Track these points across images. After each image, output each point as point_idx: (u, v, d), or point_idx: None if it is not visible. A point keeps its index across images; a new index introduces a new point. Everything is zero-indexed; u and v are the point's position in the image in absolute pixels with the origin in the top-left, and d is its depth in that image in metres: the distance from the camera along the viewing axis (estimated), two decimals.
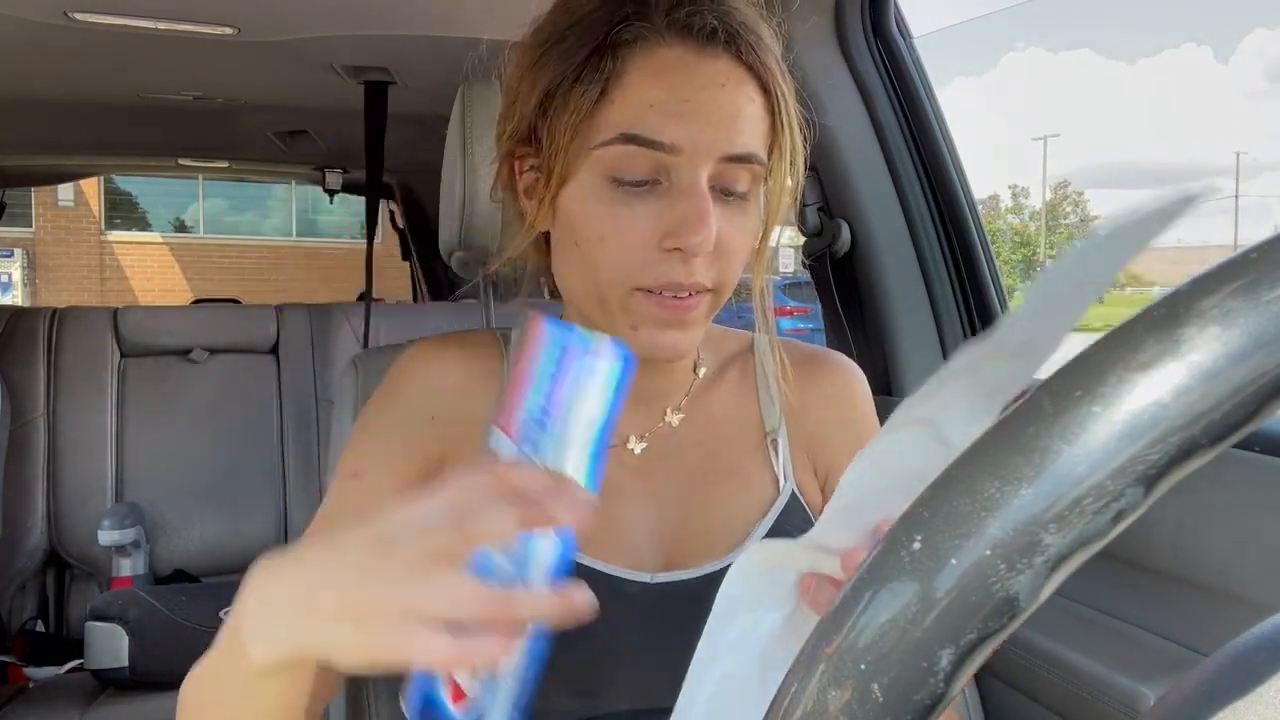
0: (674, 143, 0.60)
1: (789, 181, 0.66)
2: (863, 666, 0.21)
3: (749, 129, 0.63)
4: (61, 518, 2.14)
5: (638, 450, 0.72)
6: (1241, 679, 0.27)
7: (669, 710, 0.68)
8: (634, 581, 0.68)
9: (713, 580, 0.68)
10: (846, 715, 0.22)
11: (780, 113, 0.64)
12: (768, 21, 0.66)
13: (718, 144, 0.61)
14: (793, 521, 0.73)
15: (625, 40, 0.61)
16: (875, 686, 0.21)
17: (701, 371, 0.76)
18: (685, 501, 0.72)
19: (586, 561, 0.68)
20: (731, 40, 0.62)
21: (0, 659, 1.98)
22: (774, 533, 0.71)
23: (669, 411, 0.74)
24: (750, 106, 0.63)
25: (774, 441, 0.75)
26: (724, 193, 0.63)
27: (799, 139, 0.66)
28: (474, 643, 0.40)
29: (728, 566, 0.69)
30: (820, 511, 0.76)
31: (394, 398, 0.72)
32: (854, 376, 0.79)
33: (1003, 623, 0.20)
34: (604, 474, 0.71)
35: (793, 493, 0.73)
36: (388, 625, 0.40)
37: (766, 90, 0.63)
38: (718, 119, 0.61)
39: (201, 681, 0.52)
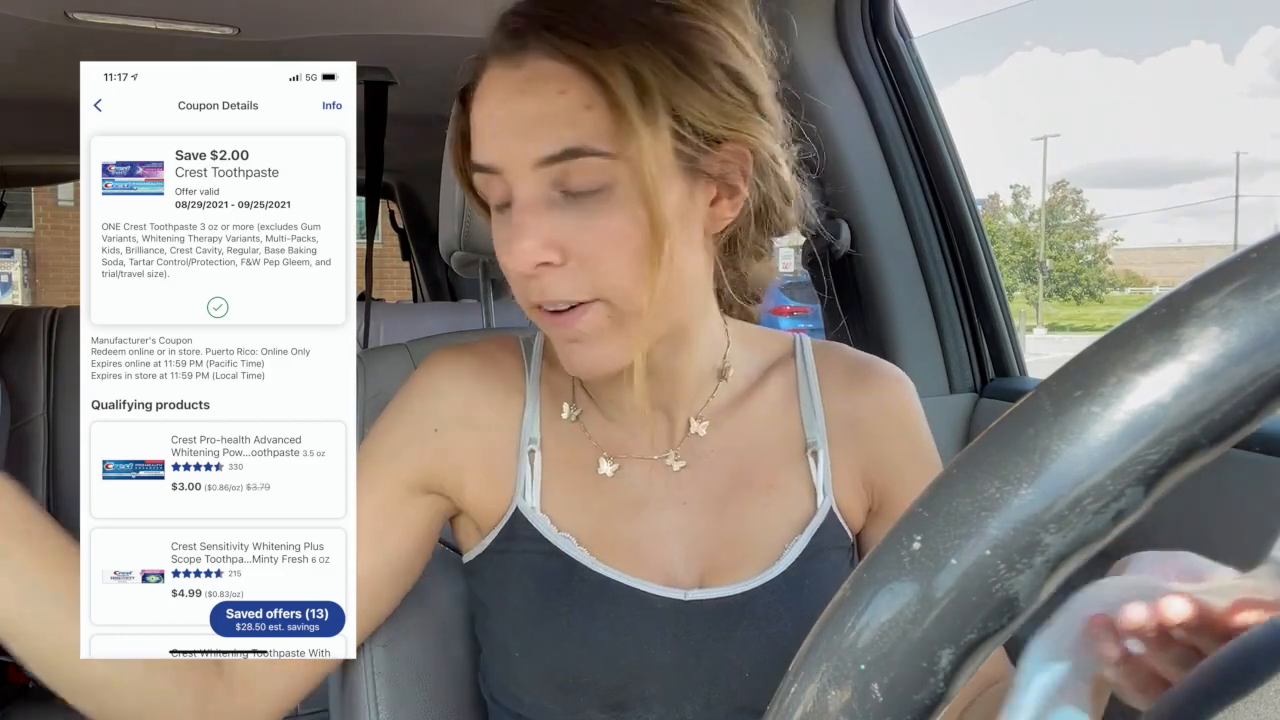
0: (490, 162, 0.61)
1: (650, 162, 0.58)
2: (862, 666, 0.21)
3: (565, 124, 0.58)
4: (61, 518, 2.13)
5: (676, 467, 0.70)
6: (1241, 679, 0.27)
7: None
8: (667, 599, 0.66)
9: (746, 598, 0.67)
10: (846, 715, 0.22)
11: (614, 90, 0.57)
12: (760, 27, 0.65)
13: (525, 153, 0.58)
14: (829, 539, 0.70)
15: (476, 77, 0.63)
16: (875, 686, 0.21)
17: (730, 375, 0.72)
18: (719, 514, 0.70)
19: (618, 577, 0.67)
20: (538, 37, 0.58)
21: (0, 659, 1.98)
22: (810, 550, 0.69)
23: (693, 420, 0.71)
24: (561, 99, 0.58)
25: (814, 454, 0.71)
26: (569, 194, 0.59)
27: (644, 106, 0.57)
28: None
29: (760, 586, 0.67)
30: (861, 530, 0.74)
31: (400, 408, 0.71)
32: (906, 386, 0.76)
33: (1003, 623, 0.20)
34: (639, 486, 0.71)
35: (831, 509, 0.70)
36: None
37: (593, 74, 0.57)
38: (519, 127, 0.59)
39: None
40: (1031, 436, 0.20)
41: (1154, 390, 0.19)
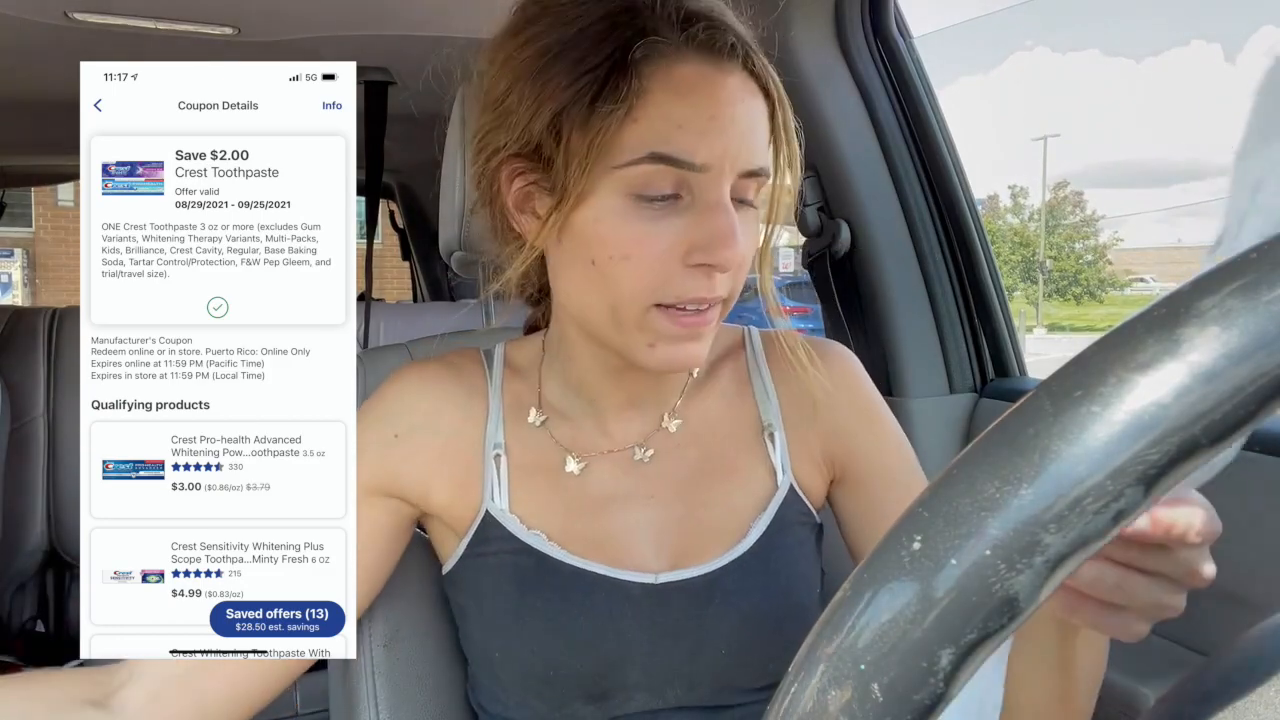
0: (704, 162, 0.60)
1: (789, 182, 0.67)
2: (862, 666, 0.21)
3: (761, 141, 0.64)
4: (61, 518, 2.14)
5: (646, 459, 0.73)
6: (1242, 679, 0.27)
7: (683, 708, 0.69)
8: (638, 584, 0.68)
9: (716, 576, 0.69)
10: (846, 715, 0.22)
11: (780, 118, 0.65)
12: (758, 29, 0.67)
13: (740, 160, 0.62)
14: (792, 514, 0.73)
15: (645, 57, 0.60)
16: (875, 686, 0.21)
17: (695, 372, 0.76)
18: (686, 501, 0.72)
19: (590, 566, 0.69)
20: (740, 52, 0.62)
21: (0, 659, 1.98)
22: (774, 526, 0.71)
23: (667, 417, 0.74)
24: (761, 118, 0.64)
25: (771, 435, 0.75)
26: (738, 203, 0.64)
27: (796, 143, 0.67)
28: None
29: (729, 563, 0.70)
30: (822, 504, 0.77)
31: (364, 414, 0.72)
32: (850, 360, 0.80)
33: (1003, 623, 0.20)
34: (606, 481, 0.73)
35: (791, 486, 0.74)
36: None
37: (769, 97, 0.64)
38: (738, 134, 0.61)
39: None
40: (1031, 436, 0.20)
41: (1154, 390, 0.19)
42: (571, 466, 0.72)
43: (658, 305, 0.62)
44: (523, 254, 0.67)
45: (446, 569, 0.74)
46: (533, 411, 0.74)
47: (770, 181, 0.66)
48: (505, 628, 0.69)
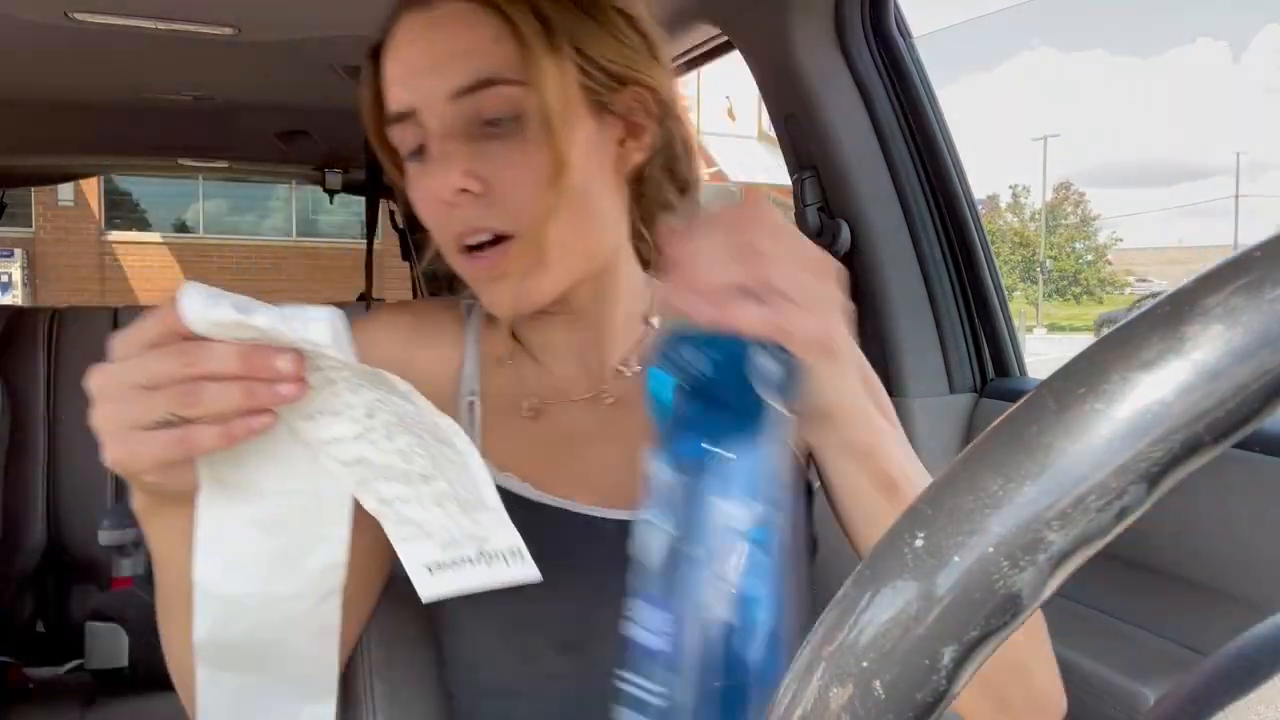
0: (404, 105, 0.63)
1: (551, 88, 0.61)
2: (865, 664, 0.21)
3: (477, 56, 0.61)
4: (61, 518, 2.14)
5: (607, 405, 0.73)
6: (1241, 679, 0.27)
7: None
8: (610, 519, 0.68)
9: None
10: (848, 713, 0.21)
11: (520, 24, 0.60)
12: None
13: (440, 87, 0.62)
14: None
15: (382, 38, 0.66)
16: (877, 684, 0.21)
17: (655, 322, 0.75)
18: (648, 440, 0.73)
19: (561, 503, 0.68)
20: None
21: (0, 659, 1.98)
22: None
23: (623, 366, 0.74)
24: (470, 33, 0.62)
25: None
26: (486, 124, 0.63)
27: (542, 42, 0.61)
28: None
29: None
30: (804, 460, 0.77)
31: None
32: None
33: (1005, 620, 0.20)
34: (574, 424, 0.73)
35: None
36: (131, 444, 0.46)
37: (500, 11, 0.61)
38: (430, 65, 0.63)
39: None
40: (1035, 434, 0.20)
41: (1158, 388, 0.19)
42: (540, 410, 0.73)
43: (457, 254, 0.66)
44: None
45: None
46: (505, 359, 0.75)
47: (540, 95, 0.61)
48: None
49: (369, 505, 0.49)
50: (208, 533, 0.49)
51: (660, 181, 0.71)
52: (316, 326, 0.43)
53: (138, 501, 0.52)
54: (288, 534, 0.49)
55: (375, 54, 0.67)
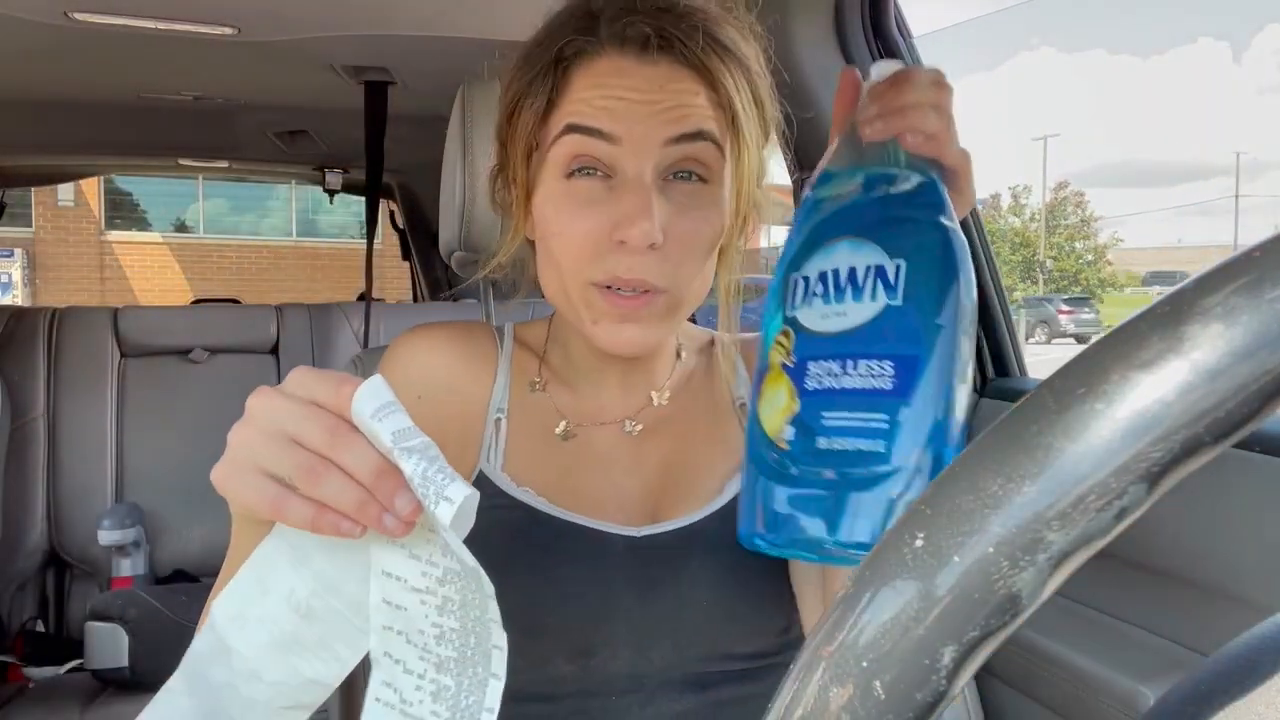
0: (611, 131, 0.64)
1: (750, 167, 0.68)
2: (865, 664, 0.21)
3: (696, 114, 0.65)
4: (61, 518, 2.14)
5: (634, 432, 0.76)
6: (1241, 679, 0.27)
7: (667, 682, 0.69)
8: (621, 536, 0.70)
9: (696, 528, 0.72)
10: (848, 713, 0.21)
11: (732, 104, 0.66)
12: (730, 22, 0.69)
13: (658, 130, 0.64)
14: None
15: (569, 55, 0.66)
16: (877, 684, 0.21)
17: (684, 356, 0.80)
18: (670, 466, 0.75)
19: (576, 519, 0.70)
20: (669, 46, 0.65)
21: (0, 659, 1.98)
22: None
23: (655, 394, 0.78)
24: (695, 98, 0.65)
25: (743, 407, 0.78)
26: (680, 176, 0.66)
27: (755, 127, 0.68)
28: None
29: (708, 515, 0.73)
30: None
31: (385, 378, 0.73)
32: None
33: (1005, 620, 0.20)
34: (597, 449, 0.75)
35: None
36: (240, 477, 0.47)
37: (715, 87, 0.66)
38: (655, 110, 0.64)
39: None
40: (1035, 433, 0.20)
41: (1157, 388, 0.19)
42: (566, 432, 0.75)
43: (594, 284, 0.66)
44: (508, 240, 0.74)
45: None
46: (536, 381, 0.77)
47: (733, 164, 0.67)
48: (491, 579, 0.69)
49: (374, 648, 0.49)
50: (249, 575, 0.49)
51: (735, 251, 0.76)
52: (445, 508, 0.43)
53: (232, 506, 0.52)
54: (306, 627, 0.49)
55: (555, 65, 0.67)
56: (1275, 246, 0.19)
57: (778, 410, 0.56)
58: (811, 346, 0.56)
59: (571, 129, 0.65)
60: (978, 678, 1.15)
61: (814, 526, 0.53)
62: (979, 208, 1.43)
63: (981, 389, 1.37)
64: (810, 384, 0.55)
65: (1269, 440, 0.87)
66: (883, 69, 0.60)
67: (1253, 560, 0.87)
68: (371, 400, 0.45)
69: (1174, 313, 0.20)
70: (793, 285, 0.58)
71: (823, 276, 0.56)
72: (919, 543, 0.21)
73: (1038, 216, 36.35)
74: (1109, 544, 0.21)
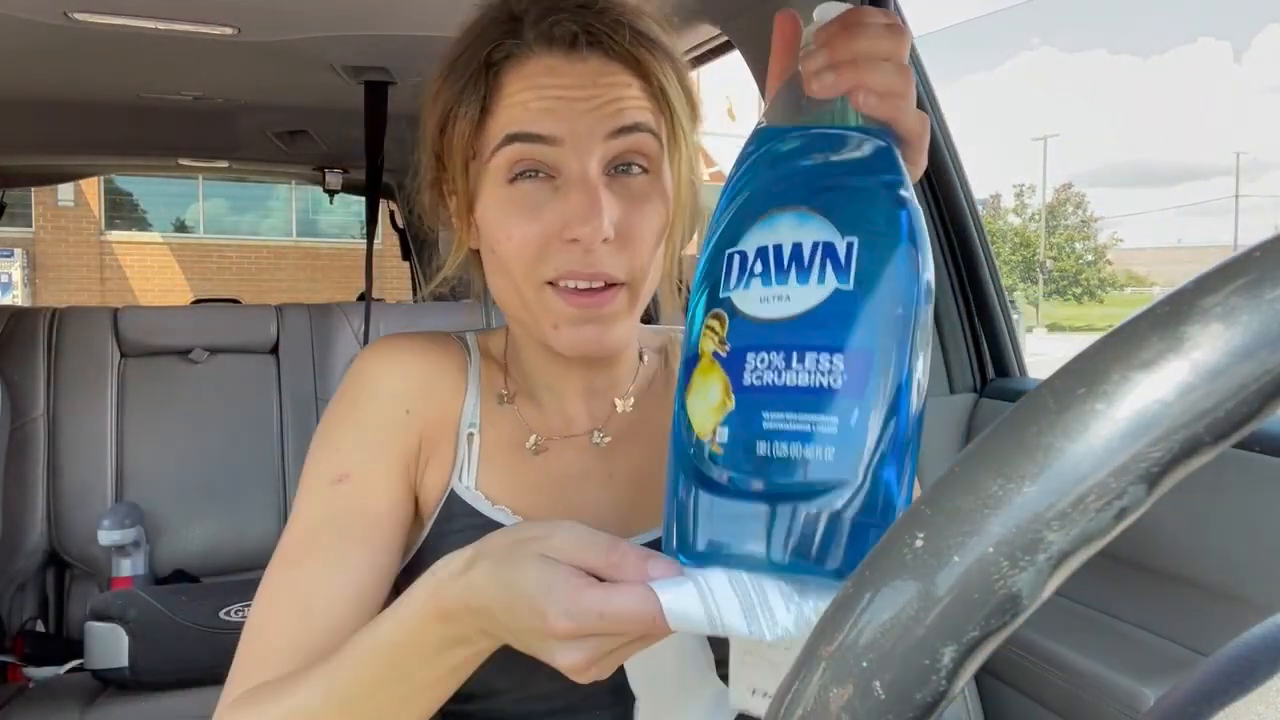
0: (551, 134, 0.64)
1: (686, 166, 0.68)
2: (864, 664, 0.21)
3: (632, 107, 0.65)
4: (61, 518, 2.14)
5: (603, 444, 0.75)
6: (1241, 679, 0.27)
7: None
8: None
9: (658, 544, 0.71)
10: (848, 713, 0.21)
11: (665, 93, 0.66)
12: (649, 14, 0.69)
13: (598, 126, 0.64)
14: None
15: (498, 59, 0.66)
16: (877, 684, 0.21)
17: (646, 358, 0.79)
18: (641, 477, 0.74)
19: None
20: (596, 42, 0.65)
21: (0, 659, 1.97)
22: None
23: (618, 400, 0.76)
24: (628, 90, 0.65)
25: None
26: (622, 170, 0.66)
27: (686, 114, 0.68)
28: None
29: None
30: None
31: (365, 395, 0.72)
32: None
33: (1005, 620, 0.20)
34: (568, 463, 0.75)
35: None
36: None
37: (646, 78, 0.66)
38: (592, 106, 0.64)
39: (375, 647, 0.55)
40: (1035, 434, 0.20)
41: (1157, 388, 0.19)
42: (536, 448, 0.74)
43: (549, 284, 0.65)
44: (454, 253, 0.74)
45: (408, 559, 0.73)
46: (504, 394, 0.76)
47: (669, 157, 0.67)
48: None
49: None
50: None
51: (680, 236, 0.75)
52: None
53: (462, 650, 0.55)
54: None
55: (485, 71, 0.67)
56: (1275, 246, 0.19)
57: (710, 408, 0.49)
58: (749, 334, 0.48)
59: (512, 138, 0.64)
60: (978, 678, 1.15)
61: (747, 543, 0.46)
62: (979, 208, 1.43)
63: (981, 389, 1.37)
64: (748, 379, 0.47)
65: (1269, 440, 0.87)
66: (827, 10, 0.53)
67: (1253, 560, 0.87)
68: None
69: (1174, 313, 0.20)
70: (726, 261, 0.50)
71: (761, 253, 0.49)
72: (919, 543, 0.21)
73: (1038, 217, 36.34)
74: (1109, 544, 0.21)
